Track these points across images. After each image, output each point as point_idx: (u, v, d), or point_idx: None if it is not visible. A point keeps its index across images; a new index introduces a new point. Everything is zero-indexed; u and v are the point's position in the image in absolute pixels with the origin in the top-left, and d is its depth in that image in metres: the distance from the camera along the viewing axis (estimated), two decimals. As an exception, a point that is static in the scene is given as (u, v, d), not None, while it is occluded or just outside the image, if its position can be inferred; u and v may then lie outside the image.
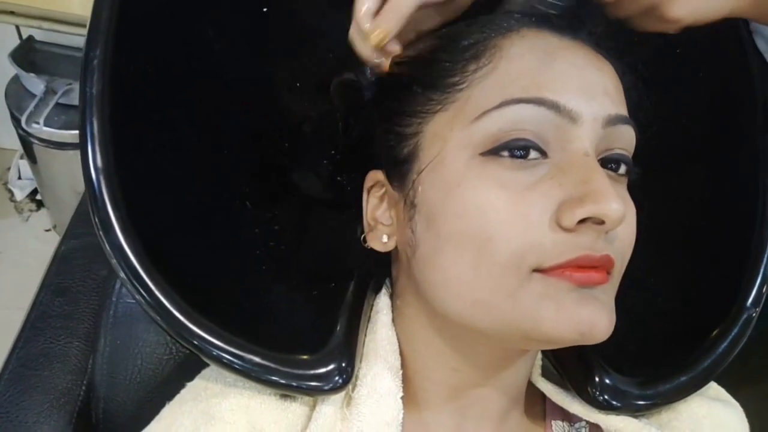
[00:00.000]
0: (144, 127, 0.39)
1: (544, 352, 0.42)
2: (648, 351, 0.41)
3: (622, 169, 0.34)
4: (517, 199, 0.31)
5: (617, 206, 0.29)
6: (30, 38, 1.25)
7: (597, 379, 0.37)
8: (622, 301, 0.42)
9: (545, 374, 0.41)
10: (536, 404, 0.41)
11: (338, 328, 0.37)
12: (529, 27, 0.34)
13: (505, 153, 0.32)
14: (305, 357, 0.35)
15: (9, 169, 1.55)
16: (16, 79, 1.20)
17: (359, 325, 0.38)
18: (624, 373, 0.38)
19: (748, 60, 0.46)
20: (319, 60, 0.54)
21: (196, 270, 0.39)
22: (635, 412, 0.38)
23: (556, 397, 0.39)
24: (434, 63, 0.35)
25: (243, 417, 0.34)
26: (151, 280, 0.35)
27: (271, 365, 0.34)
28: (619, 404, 0.37)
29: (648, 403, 0.37)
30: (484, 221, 0.31)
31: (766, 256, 0.41)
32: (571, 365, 0.39)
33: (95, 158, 0.35)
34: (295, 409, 0.35)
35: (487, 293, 0.31)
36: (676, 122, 0.44)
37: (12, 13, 1.15)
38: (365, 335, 0.39)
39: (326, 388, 0.34)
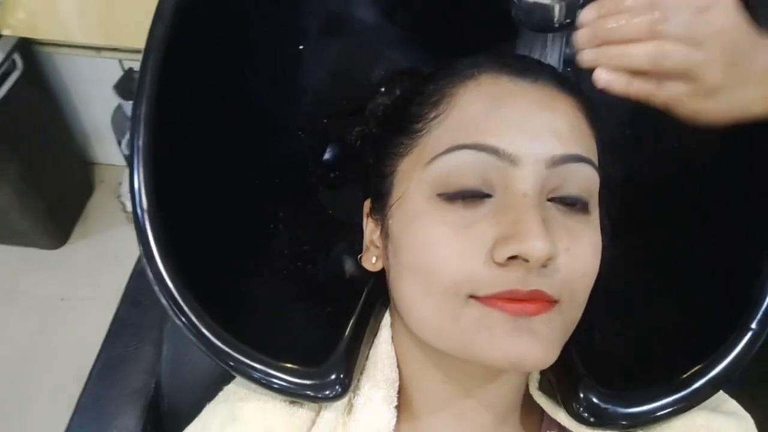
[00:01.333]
0: (185, 170, 0.45)
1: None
2: (647, 370, 0.41)
3: (579, 204, 0.35)
4: (457, 235, 0.34)
5: (541, 245, 0.31)
6: (130, 69, 1.41)
7: (582, 394, 0.38)
8: (620, 319, 0.42)
9: (545, 386, 0.43)
10: (534, 415, 0.43)
11: (342, 342, 0.41)
12: (488, 73, 0.36)
13: (459, 199, 0.35)
14: (310, 369, 0.40)
15: (121, 183, 1.75)
16: (119, 107, 1.36)
17: (364, 338, 0.43)
18: (616, 390, 0.39)
19: None
20: (355, 87, 0.58)
21: (229, 293, 0.44)
22: (620, 430, 0.39)
23: (550, 409, 0.41)
24: (405, 110, 0.39)
25: (261, 419, 0.40)
26: (189, 307, 0.40)
27: (280, 375, 0.39)
28: (600, 421, 0.38)
29: (631, 422, 0.38)
30: (429, 255, 0.35)
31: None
32: (561, 378, 0.41)
33: (141, 200, 0.43)
34: (302, 414, 0.40)
35: (436, 319, 0.35)
36: (671, 144, 0.44)
37: (115, 49, 1.32)
38: (369, 348, 0.43)
39: (330, 395, 0.39)
